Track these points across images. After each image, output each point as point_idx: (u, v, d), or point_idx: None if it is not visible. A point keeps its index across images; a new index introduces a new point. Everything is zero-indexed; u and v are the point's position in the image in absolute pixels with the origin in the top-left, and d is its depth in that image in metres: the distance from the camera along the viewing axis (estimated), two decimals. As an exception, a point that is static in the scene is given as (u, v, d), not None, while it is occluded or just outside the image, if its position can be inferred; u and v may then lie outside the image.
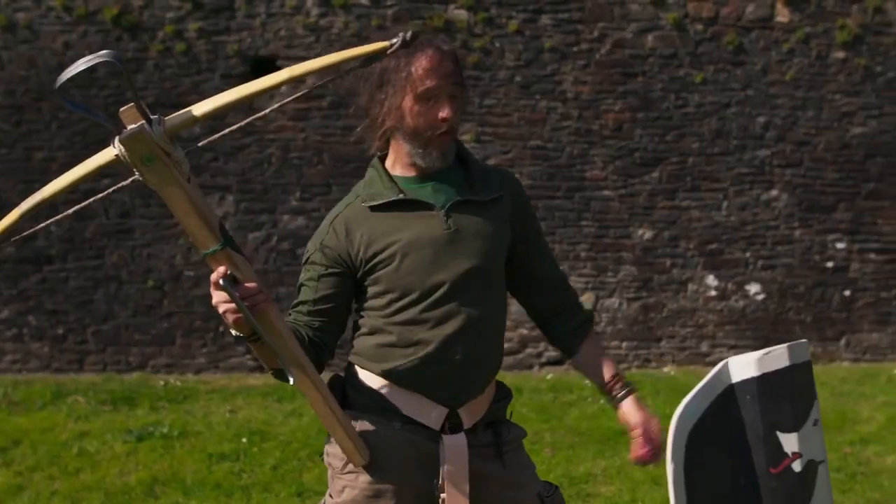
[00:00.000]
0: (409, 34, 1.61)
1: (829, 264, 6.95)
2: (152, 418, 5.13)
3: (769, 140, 6.84)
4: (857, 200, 6.93)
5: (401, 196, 1.93)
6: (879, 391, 6.16)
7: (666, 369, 6.72)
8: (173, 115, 1.59)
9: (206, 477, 4.25)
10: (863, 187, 6.93)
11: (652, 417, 1.87)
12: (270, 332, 1.75)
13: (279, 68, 6.29)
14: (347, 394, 2.04)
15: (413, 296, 1.93)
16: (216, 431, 4.92)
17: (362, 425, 1.98)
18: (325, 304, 2.00)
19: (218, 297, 1.71)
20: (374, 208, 1.95)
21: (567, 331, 2.08)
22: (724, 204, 6.85)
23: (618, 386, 1.97)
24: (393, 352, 1.97)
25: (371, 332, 2.01)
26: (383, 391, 1.99)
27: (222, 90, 1.76)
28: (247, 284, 1.70)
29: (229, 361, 6.43)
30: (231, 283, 1.67)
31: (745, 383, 1.40)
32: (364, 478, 1.97)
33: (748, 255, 6.90)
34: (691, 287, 6.85)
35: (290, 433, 4.91)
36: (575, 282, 6.44)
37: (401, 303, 1.94)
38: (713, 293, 6.87)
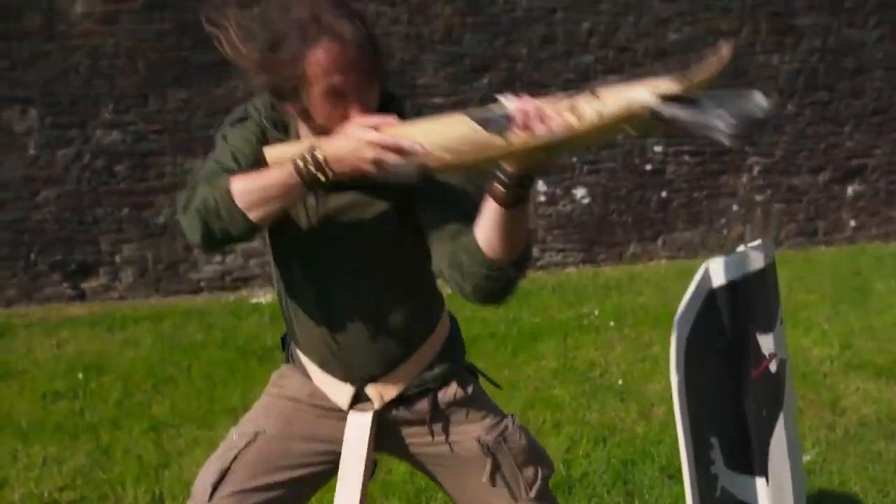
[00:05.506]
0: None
1: (648, 167, 7.27)
2: (-33, 359, 4.64)
3: (593, 46, 6.97)
4: (673, 105, 7.23)
5: None
6: (696, 285, 6.59)
7: (501, 275, 6.84)
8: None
9: (43, 418, 3.89)
10: (678, 92, 7.23)
11: None
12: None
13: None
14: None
15: (285, 252, 1.79)
16: (45, 368, 4.52)
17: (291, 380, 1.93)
18: None
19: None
20: None
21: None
22: (552, 110, 6.94)
23: None
24: (285, 313, 1.87)
25: (277, 277, 1.88)
26: (302, 360, 1.90)
27: None
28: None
29: (44, 292, 5.90)
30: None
31: (726, 287, 1.37)
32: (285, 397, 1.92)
33: (574, 159, 7.08)
34: (522, 193, 6.95)
35: (129, 364, 4.59)
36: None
37: (279, 249, 1.81)
38: (542, 198, 7.02)
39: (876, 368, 4.46)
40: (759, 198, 7.61)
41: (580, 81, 6.96)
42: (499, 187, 1.43)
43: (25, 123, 5.75)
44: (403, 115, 1.62)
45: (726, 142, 1.15)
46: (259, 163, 1.64)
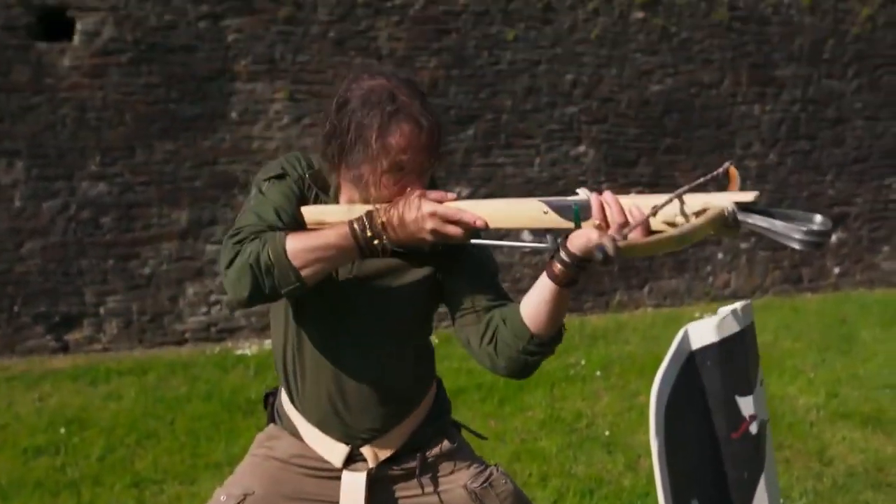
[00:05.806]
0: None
1: (633, 216, 7.30)
2: (-53, 414, 4.58)
3: (577, 97, 7.06)
4: (657, 155, 7.32)
5: None
6: (683, 333, 6.60)
7: (487, 324, 6.84)
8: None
9: (23, 476, 3.82)
10: (661, 142, 7.32)
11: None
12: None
13: (70, 20, 5.74)
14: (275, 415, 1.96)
15: (311, 310, 1.77)
16: (26, 423, 4.46)
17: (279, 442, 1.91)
18: None
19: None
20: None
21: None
22: (537, 160, 7.01)
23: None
24: (289, 369, 1.85)
25: (286, 333, 1.85)
26: (294, 419, 1.88)
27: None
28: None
29: (27, 344, 5.85)
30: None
31: (705, 350, 1.39)
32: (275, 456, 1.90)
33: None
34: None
35: (111, 418, 4.54)
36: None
37: (300, 307, 1.78)
38: (527, 248, 7.03)
39: (863, 417, 4.46)
40: (743, 245, 7.66)
41: (565, 132, 7.04)
42: (558, 266, 1.48)
43: (11, 176, 5.75)
44: (436, 188, 1.68)
45: (797, 246, 1.25)
46: (297, 220, 1.68)
